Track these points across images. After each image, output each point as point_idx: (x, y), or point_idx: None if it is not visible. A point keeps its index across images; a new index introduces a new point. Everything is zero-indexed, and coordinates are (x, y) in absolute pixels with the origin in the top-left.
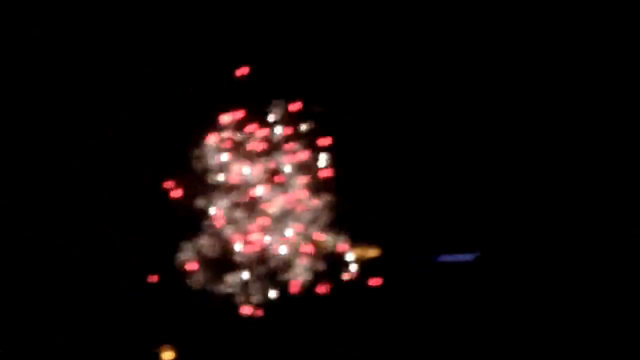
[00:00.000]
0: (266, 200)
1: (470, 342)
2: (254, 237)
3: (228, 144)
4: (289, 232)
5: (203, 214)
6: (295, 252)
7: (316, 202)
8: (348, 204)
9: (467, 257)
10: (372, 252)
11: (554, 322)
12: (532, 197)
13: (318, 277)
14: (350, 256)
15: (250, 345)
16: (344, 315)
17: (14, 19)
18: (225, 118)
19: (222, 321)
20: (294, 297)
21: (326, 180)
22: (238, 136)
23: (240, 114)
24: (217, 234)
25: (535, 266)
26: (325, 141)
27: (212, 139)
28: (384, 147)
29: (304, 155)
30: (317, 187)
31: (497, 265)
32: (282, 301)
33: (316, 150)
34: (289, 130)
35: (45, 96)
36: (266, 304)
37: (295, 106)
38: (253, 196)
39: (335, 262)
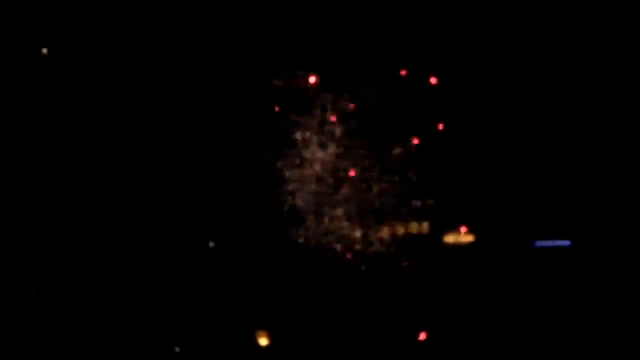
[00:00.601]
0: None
1: (566, 330)
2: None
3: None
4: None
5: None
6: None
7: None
8: (442, 188)
9: (565, 242)
10: (466, 237)
11: None
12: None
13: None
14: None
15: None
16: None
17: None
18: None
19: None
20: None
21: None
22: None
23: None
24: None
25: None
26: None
27: None
28: (478, 131)
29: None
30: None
31: (594, 252)
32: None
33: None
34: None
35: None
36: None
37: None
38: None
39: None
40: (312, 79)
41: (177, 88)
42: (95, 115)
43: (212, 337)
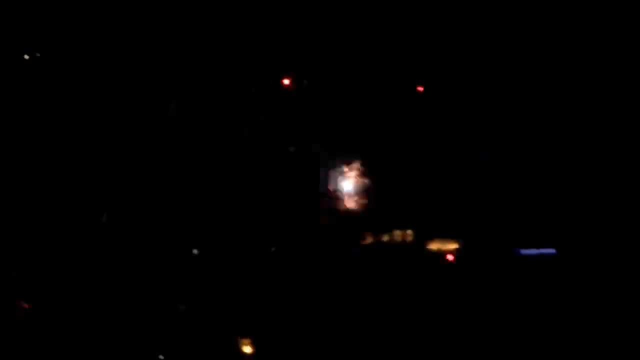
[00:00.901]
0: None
1: (550, 338)
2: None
3: None
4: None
5: None
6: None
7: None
8: (424, 196)
9: (550, 251)
10: (450, 245)
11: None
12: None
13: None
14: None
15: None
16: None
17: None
18: None
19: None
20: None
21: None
22: None
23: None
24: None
25: (618, 263)
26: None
27: None
28: (462, 139)
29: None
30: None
31: (580, 260)
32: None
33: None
34: None
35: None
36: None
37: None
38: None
39: (411, 253)
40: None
41: (177, 88)
42: (95, 115)
43: (197, 345)
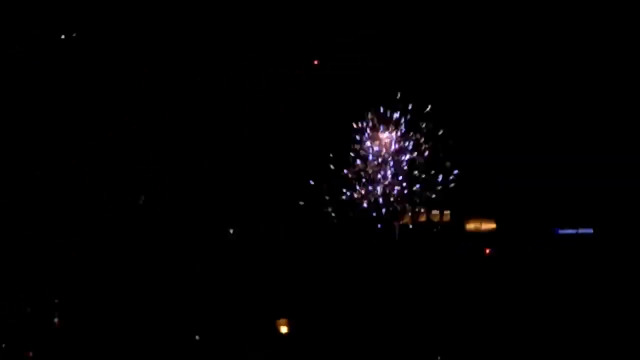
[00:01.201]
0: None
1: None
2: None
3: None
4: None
5: None
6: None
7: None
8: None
9: (587, 230)
10: (487, 225)
11: None
12: None
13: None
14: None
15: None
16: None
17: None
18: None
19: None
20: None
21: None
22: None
23: None
24: None
25: None
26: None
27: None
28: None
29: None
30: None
31: (616, 239)
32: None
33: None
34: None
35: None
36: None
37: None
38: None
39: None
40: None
41: (177, 88)
42: (95, 115)
43: (233, 325)
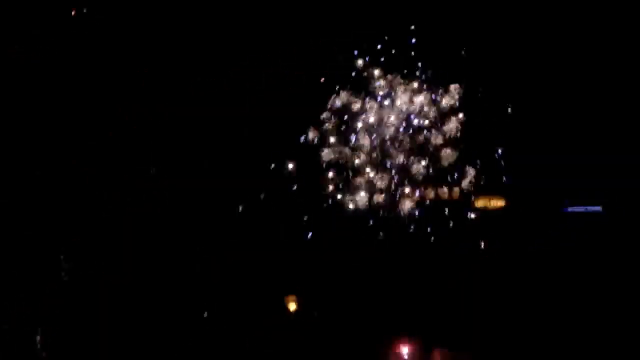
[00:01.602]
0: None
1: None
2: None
3: None
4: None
5: None
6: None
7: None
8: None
9: (596, 208)
10: (497, 202)
11: None
12: None
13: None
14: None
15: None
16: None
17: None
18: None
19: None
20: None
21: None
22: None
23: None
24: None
25: None
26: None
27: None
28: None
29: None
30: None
31: (625, 218)
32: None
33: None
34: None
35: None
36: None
37: None
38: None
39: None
40: None
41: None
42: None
43: (241, 303)
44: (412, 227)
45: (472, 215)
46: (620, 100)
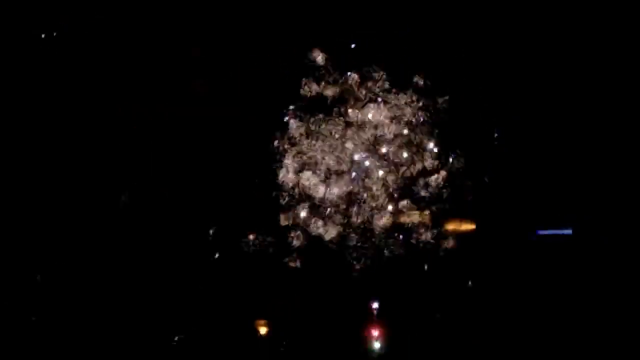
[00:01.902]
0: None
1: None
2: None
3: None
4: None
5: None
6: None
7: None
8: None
9: (566, 231)
10: (466, 226)
11: None
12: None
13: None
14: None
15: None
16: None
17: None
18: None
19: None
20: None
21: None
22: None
23: None
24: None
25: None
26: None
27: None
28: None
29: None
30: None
31: (595, 240)
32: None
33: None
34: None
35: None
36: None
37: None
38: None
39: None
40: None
41: (177, 88)
42: (95, 115)
43: (212, 327)
44: (386, 252)
45: (447, 242)
46: (590, 122)
